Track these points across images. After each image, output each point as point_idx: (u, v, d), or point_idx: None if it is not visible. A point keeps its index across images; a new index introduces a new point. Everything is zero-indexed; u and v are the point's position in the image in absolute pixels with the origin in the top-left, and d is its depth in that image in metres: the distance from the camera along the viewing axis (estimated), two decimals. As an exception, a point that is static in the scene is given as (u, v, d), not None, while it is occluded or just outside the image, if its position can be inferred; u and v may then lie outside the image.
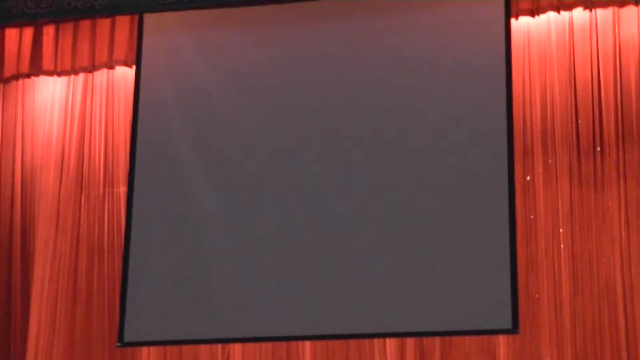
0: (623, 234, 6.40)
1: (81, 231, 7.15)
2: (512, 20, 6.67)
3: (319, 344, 6.62)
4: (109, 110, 7.27)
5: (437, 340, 6.50)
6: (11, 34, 7.41)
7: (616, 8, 6.61)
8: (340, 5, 6.89)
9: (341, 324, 6.50)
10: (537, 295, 6.41)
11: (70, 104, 7.34)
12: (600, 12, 6.63)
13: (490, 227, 6.41)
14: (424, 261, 6.46)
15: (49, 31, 7.37)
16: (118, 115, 7.24)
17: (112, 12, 6.91)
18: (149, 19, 7.14)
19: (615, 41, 6.59)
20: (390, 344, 6.57)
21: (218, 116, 6.94)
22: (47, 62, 7.34)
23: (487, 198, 6.46)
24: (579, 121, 6.57)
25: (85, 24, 7.32)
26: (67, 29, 7.33)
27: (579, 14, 6.67)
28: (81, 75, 7.35)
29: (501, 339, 6.43)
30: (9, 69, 7.39)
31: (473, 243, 6.41)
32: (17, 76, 7.41)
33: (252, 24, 6.99)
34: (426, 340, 6.51)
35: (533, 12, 6.72)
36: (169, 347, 6.80)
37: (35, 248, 7.15)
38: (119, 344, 6.79)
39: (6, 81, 7.44)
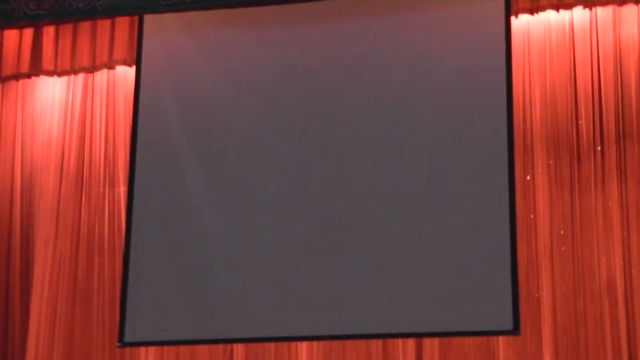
0: (624, 234, 6.38)
1: (81, 231, 7.16)
2: (512, 20, 6.67)
3: (315, 344, 6.62)
4: (109, 110, 7.28)
5: (436, 340, 6.49)
6: (11, 34, 7.43)
7: (616, 7, 6.61)
8: (341, 5, 6.89)
9: (341, 325, 6.49)
10: (537, 295, 6.40)
11: (70, 104, 7.35)
12: (600, 11, 6.63)
13: (490, 227, 6.41)
14: (424, 261, 6.46)
15: (49, 31, 7.38)
16: (118, 115, 7.25)
17: (113, 13, 6.89)
18: (149, 19, 7.15)
19: (615, 40, 6.59)
20: (389, 344, 6.55)
21: (218, 116, 6.94)
22: (47, 62, 7.36)
23: (487, 198, 6.45)
24: (580, 121, 6.57)
25: (85, 24, 7.34)
26: (67, 29, 7.35)
27: (579, 13, 6.67)
28: (81, 76, 7.37)
29: (501, 339, 6.42)
30: (9, 69, 7.41)
31: (473, 243, 6.40)
32: (17, 76, 7.43)
33: (252, 24, 7.00)
34: (425, 340, 6.50)
35: (533, 11, 6.73)
36: (166, 348, 6.80)
37: (35, 248, 7.16)
38: (119, 344, 6.80)
39: (6, 81, 7.46)
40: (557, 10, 6.69)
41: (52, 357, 6.98)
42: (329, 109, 6.79)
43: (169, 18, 7.10)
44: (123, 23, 7.30)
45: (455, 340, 6.46)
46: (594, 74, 6.58)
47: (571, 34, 6.66)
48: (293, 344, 6.67)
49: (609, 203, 6.43)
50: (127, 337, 6.78)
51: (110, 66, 7.31)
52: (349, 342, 6.59)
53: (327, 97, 6.81)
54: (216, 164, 6.90)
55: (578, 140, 6.56)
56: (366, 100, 6.75)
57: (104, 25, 7.31)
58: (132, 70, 7.21)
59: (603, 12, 6.62)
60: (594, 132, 6.54)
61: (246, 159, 6.85)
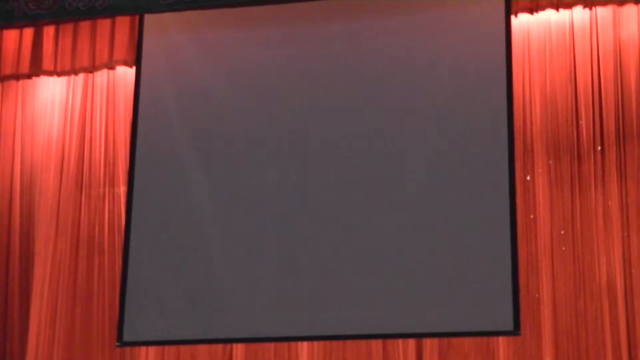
0: (624, 234, 6.38)
1: (81, 231, 7.15)
2: (512, 19, 6.67)
3: (316, 344, 6.62)
4: (109, 110, 7.28)
5: (436, 340, 6.48)
6: (11, 34, 7.42)
7: (616, 7, 6.61)
8: (340, 5, 6.89)
9: (340, 325, 6.49)
10: (537, 295, 6.40)
11: (70, 104, 7.35)
12: (600, 11, 6.63)
13: (490, 227, 6.41)
14: (424, 261, 6.46)
15: (49, 31, 7.38)
16: (118, 115, 7.25)
17: (112, 12, 6.90)
18: (149, 19, 7.16)
19: (615, 40, 6.58)
20: (389, 344, 6.55)
21: (218, 116, 6.94)
22: (47, 62, 7.35)
23: (487, 198, 6.46)
24: (580, 121, 6.56)
25: (85, 24, 7.34)
26: (67, 29, 7.35)
27: (579, 12, 6.67)
28: (81, 76, 7.36)
29: (501, 339, 6.42)
30: (8, 69, 7.40)
31: (473, 243, 6.40)
32: (17, 76, 7.42)
33: (252, 24, 7.00)
34: (425, 340, 6.49)
35: (532, 11, 6.73)
36: (167, 347, 6.80)
37: (35, 248, 7.15)
38: (118, 344, 6.80)
39: (6, 81, 7.45)
40: (557, 10, 6.69)
41: (52, 357, 6.97)
42: (329, 109, 6.79)
43: (169, 18, 7.10)
44: (123, 23, 7.29)
45: (455, 340, 6.46)
46: (594, 74, 6.58)
47: (571, 33, 6.66)
48: (293, 344, 6.66)
49: (609, 203, 6.43)
50: (126, 337, 6.79)
51: (110, 66, 7.30)
52: (349, 342, 6.59)
53: (327, 96, 6.81)
54: (216, 164, 6.90)
55: (578, 140, 6.56)
56: (366, 100, 6.75)
57: (104, 25, 7.31)
58: (132, 71, 7.21)
59: (603, 12, 6.62)
60: (594, 132, 6.54)
61: (246, 158, 6.85)
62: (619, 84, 6.53)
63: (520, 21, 6.73)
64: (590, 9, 6.64)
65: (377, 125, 6.70)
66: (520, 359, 6.39)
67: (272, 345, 6.71)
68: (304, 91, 6.86)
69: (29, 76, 7.43)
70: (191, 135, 6.95)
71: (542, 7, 6.70)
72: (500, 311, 6.31)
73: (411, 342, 6.54)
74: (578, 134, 6.56)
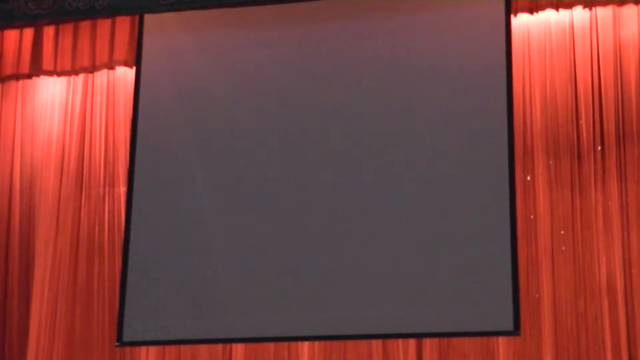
0: (624, 234, 6.38)
1: (81, 231, 7.15)
2: (512, 19, 6.67)
3: (317, 344, 6.62)
4: (109, 110, 7.28)
5: (436, 340, 6.48)
6: (11, 34, 7.43)
7: (616, 7, 6.61)
8: (340, 5, 6.90)
9: (341, 325, 6.49)
10: (537, 295, 6.40)
11: (70, 104, 7.35)
12: (600, 11, 6.64)
13: (490, 227, 6.41)
14: (424, 262, 6.46)
15: (49, 31, 7.39)
16: (118, 115, 7.25)
17: (112, 12, 6.91)
18: (149, 19, 7.16)
19: (615, 40, 6.59)
20: (389, 344, 6.55)
21: (218, 116, 6.94)
22: (47, 62, 7.35)
23: (487, 198, 6.46)
24: (580, 121, 6.56)
25: (85, 24, 7.34)
26: (67, 29, 7.35)
27: (579, 12, 6.68)
28: (81, 76, 7.37)
29: (501, 339, 6.41)
30: (8, 69, 7.41)
31: (473, 243, 6.40)
32: (17, 76, 7.43)
33: (252, 24, 7.00)
34: (425, 340, 6.49)
35: (532, 11, 6.73)
36: (167, 347, 6.80)
37: (36, 248, 7.15)
38: (117, 344, 6.80)
39: (6, 81, 7.46)
40: (557, 10, 6.70)
41: (52, 357, 6.97)
42: (328, 109, 6.80)
43: (169, 18, 7.11)
44: (123, 23, 7.30)
45: (455, 340, 6.46)
46: (594, 74, 6.58)
47: (571, 33, 6.67)
48: (293, 343, 6.66)
49: (609, 203, 6.43)
50: (126, 337, 6.79)
51: (110, 66, 7.31)
52: (349, 342, 6.59)
53: (327, 96, 6.81)
54: (216, 163, 6.90)
55: (578, 140, 6.56)
56: (366, 100, 6.75)
57: (104, 25, 7.31)
58: (132, 70, 7.21)
59: (603, 12, 6.62)
60: (594, 132, 6.54)
61: (246, 159, 6.85)
62: (619, 84, 6.53)
63: (520, 21, 6.73)
64: (590, 9, 6.65)
65: (377, 125, 6.70)
66: (520, 359, 6.38)
67: (272, 345, 6.71)
68: (304, 91, 6.86)
69: (29, 76, 7.44)
70: (191, 135, 6.95)
71: (542, 7, 6.71)
72: (500, 311, 6.31)
73: (411, 342, 6.54)
74: (578, 134, 6.56)
